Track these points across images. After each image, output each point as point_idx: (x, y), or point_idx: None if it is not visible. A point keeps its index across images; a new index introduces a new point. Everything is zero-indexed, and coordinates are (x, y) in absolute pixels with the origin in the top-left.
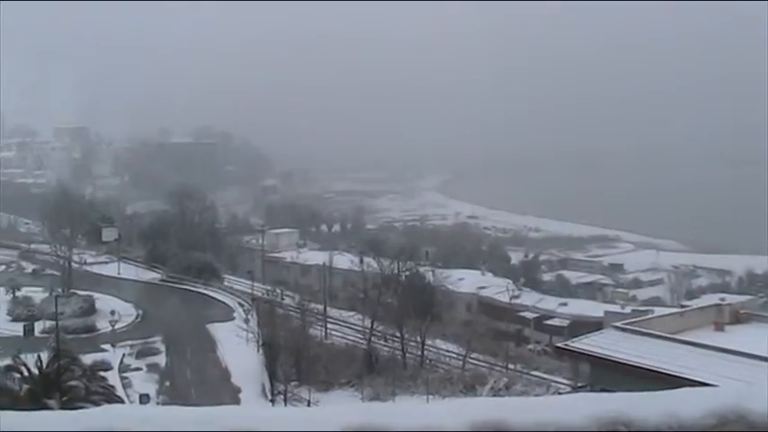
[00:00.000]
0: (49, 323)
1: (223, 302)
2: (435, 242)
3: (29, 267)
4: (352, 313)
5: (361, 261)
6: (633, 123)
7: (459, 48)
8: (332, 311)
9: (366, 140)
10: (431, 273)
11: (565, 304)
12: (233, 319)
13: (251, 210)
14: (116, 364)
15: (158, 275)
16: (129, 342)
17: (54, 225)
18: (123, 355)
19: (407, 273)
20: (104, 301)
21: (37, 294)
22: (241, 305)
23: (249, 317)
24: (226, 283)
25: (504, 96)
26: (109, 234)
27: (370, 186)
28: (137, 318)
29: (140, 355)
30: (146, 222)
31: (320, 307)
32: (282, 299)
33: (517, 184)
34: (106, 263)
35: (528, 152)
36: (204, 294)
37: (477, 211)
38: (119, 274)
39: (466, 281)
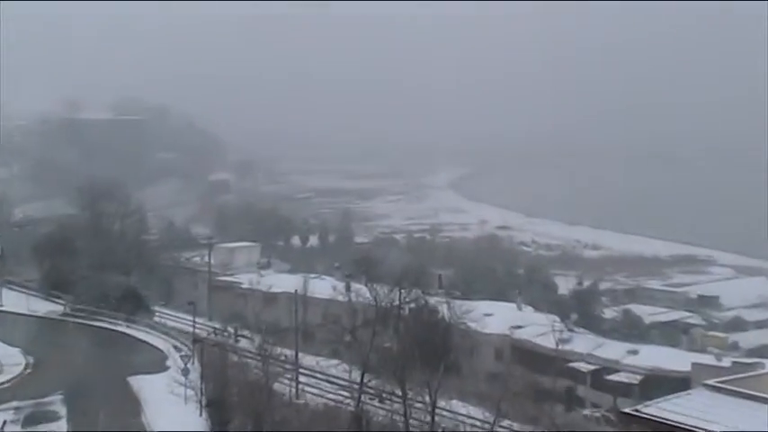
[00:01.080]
0: None
1: (153, 346)
2: (452, 262)
3: None
4: (334, 362)
5: (348, 288)
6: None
7: (486, 26)
8: (306, 359)
9: (357, 125)
10: (445, 305)
11: (635, 352)
12: (166, 369)
13: (194, 215)
14: None
15: (59, 308)
16: (14, 403)
17: None
18: (4, 422)
19: (412, 305)
20: None
21: None
22: (178, 350)
23: (189, 366)
24: (157, 319)
25: (543, 76)
26: None
27: (361, 183)
28: (26, 368)
29: (29, 421)
30: (42, 232)
31: (290, 352)
32: (237, 340)
33: (564, 182)
34: None
35: (576, 141)
36: (126, 335)
37: (510, 218)
38: (0, 305)
39: (495, 317)
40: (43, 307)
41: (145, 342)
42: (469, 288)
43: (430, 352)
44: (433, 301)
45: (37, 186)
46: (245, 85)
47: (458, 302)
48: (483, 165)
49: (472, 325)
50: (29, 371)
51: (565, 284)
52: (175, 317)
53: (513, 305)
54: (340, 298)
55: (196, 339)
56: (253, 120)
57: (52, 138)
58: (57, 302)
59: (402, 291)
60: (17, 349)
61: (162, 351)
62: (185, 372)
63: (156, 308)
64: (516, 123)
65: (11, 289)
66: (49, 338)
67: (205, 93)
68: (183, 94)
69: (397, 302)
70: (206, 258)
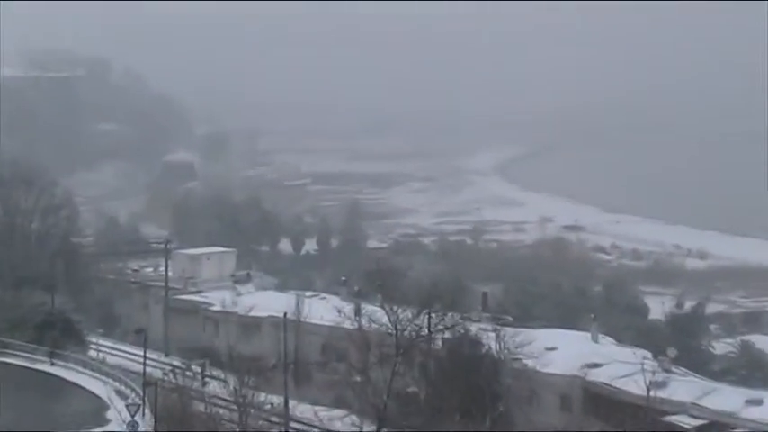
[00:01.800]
0: None
1: (87, 391)
2: (501, 275)
3: None
4: (338, 412)
5: (358, 311)
6: None
7: None
8: (300, 408)
9: (368, 88)
10: (492, 335)
11: (757, 402)
12: (106, 422)
13: (144, 210)
14: None
15: None
16: None
17: None
18: None
19: (446, 334)
20: None
21: None
22: (122, 396)
23: (138, 419)
24: (93, 353)
25: (609, 39)
26: None
27: (375, 166)
28: None
29: None
30: None
31: (277, 399)
32: (204, 383)
33: (649, 164)
34: None
35: (651, 114)
36: (50, 375)
37: (582, 214)
38: None
39: (561, 352)
40: None
41: (76, 385)
42: (525, 311)
43: (471, 399)
44: (474, 328)
45: None
46: (212, 36)
47: (509, 331)
48: (541, 142)
49: (530, 362)
50: None
51: (659, 307)
52: (119, 350)
53: (587, 335)
54: (347, 324)
55: (148, 382)
56: (224, 82)
57: None
58: None
59: (432, 315)
60: None
61: (100, 398)
62: (133, 426)
63: (92, 338)
64: (580, 92)
65: None
66: None
67: (158, 45)
68: (128, 47)
69: (425, 331)
70: (161, 269)
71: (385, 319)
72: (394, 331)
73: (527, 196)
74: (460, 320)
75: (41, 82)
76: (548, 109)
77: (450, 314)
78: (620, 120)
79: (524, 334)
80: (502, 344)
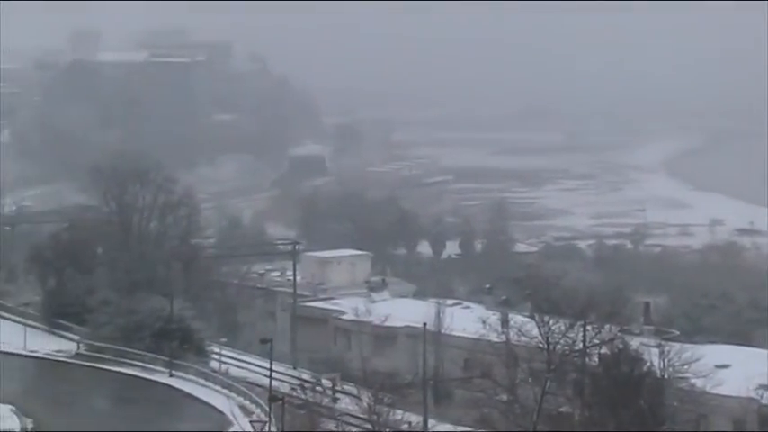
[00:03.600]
0: None
1: (208, 405)
2: (666, 285)
3: None
4: None
5: (505, 322)
6: None
7: None
8: (440, 428)
9: (515, 75)
10: (656, 350)
11: None
12: None
13: (270, 208)
14: None
15: (70, 346)
16: None
17: None
18: None
19: (604, 349)
20: None
21: None
22: (246, 412)
23: None
24: (215, 364)
25: None
26: None
27: (524, 161)
28: None
29: None
30: (44, 232)
31: (416, 418)
32: (335, 399)
33: None
34: None
35: None
36: (168, 387)
37: (758, 216)
38: None
39: (734, 370)
40: (46, 345)
41: (196, 399)
42: (693, 325)
43: (631, 422)
44: (635, 343)
45: (35, 163)
46: (340, 20)
47: (675, 346)
48: (716, 136)
49: (698, 382)
50: None
51: None
52: (242, 361)
53: (763, 352)
54: (492, 337)
55: (274, 397)
56: (355, 68)
57: (57, 89)
58: (66, 338)
59: (588, 327)
60: (8, 407)
61: (222, 413)
62: None
63: (214, 348)
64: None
65: (0, 317)
66: (54, 391)
67: (282, 29)
68: (250, 31)
69: (579, 345)
70: (288, 274)
71: (535, 332)
72: (545, 345)
73: (695, 196)
74: (619, 334)
75: (155, 67)
76: (724, 97)
77: (607, 327)
78: None
79: (692, 350)
80: (666, 361)
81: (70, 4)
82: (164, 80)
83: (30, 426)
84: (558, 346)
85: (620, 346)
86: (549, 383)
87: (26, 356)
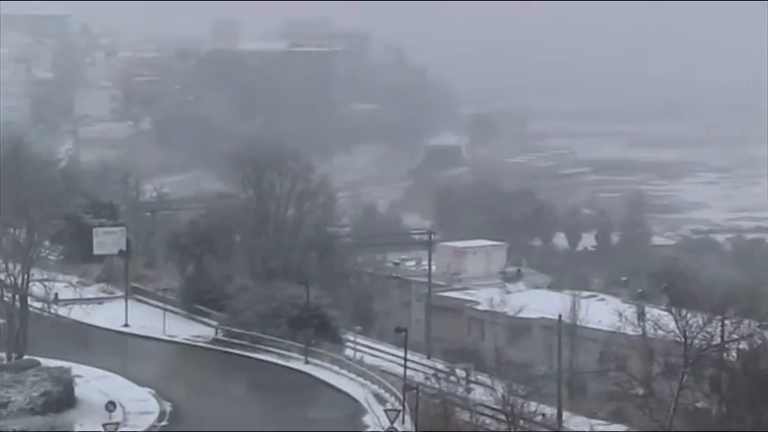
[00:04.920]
0: None
1: (343, 393)
2: None
3: None
4: (618, 428)
5: (642, 315)
6: None
7: None
8: (574, 421)
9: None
10: None
11: None
12: (363, 429)
13: (405, 198)
14: None
15: (208, 331)
16: None
17: None
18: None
19: (742, 345)
20: (94, 383)
21: None
22: (381, 401)
23: (397, 427)
24: (350, 352)
25: None
26: (107, 242)
27: (662, 153)
28: (160, 420)
29: None
30: (183, 219)
31: (549, 410)
32: (469, 389)
33: None
34: (100, 302)
35: None
36: (304, 374)
37: None
38: (125, 325)
39: None
40: (185, 330)
41: (331, 386)
42: None
43: None
44: None
45: (175, 150)
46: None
47: None
48: None
49: None
50: (164, 423)
51: None
52: (377, 350)
53: None
54: (629, 330)
55: (408, 386)
56: (492, 58)
57: (197, 79)
58: (204, 324)
59: (726, 322)
60: (148, 391)
61: (356, 401)
62: None
63: (349, 335)
64: None
65: (140, 301)
66: (192, 376)
67: (419, 20)
68: (390, 22)
69: (717, 340)
70: (423, 263)
71: (672, 326)
72: (682, 339)
73: None
74: (758, 330)
75: (294, 57)
76: None
77: (746, 322)
78: None
79: None
80: None
81: None
82: (303, 69)
83: (168, 409)
84: (696, 341)
85: (759, 341)
86: (685, 378)
87: (165, 341)
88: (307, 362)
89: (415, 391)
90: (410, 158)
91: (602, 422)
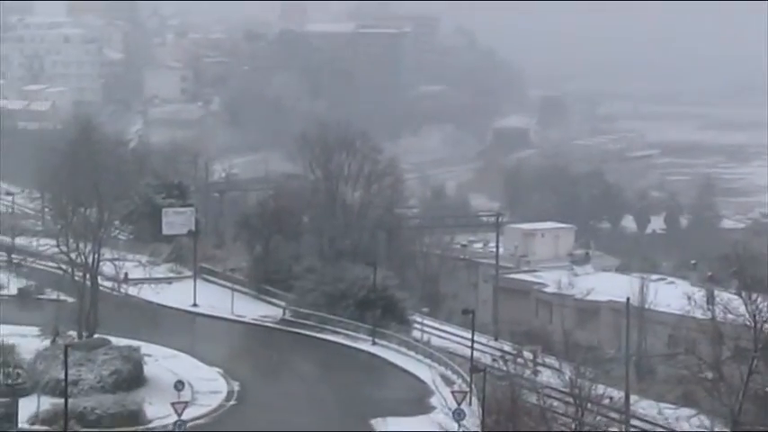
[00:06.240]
0: (49, 402)
1: (410, 374)
2: None
3: (10, 285)
4: (686, 411)
5: (711, 299)
6: None
7: None
8: (642, 404)
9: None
10: None
11: None
12: (429, 410)
13: (473, 179)
14: None
15: (276, 312)
16: None
17: (61, 199)
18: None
19: None
20: (163, 362)
21: (25, 341)
22: (448, 382)
23: (464, 408)
24: (417, 334)
25: None
26: (176, 223)
27: (733, 136)
28: (228, 399)
29: None
30: (252, 200)
31: (617, 394)
32: (536, 372)
33: None
34: (169, 282)
35: None
36: (371, 355)
37: None
38: (194, 305)
39: None
40: (253, 310)
41: (398, 368)
42: None
43: None
44: None
45: (244, 131)
46: None
47: None
48: None
49: None
50: (232, 403)
51: None
52: (444, 332)
53: None
54: (698, 313)
55: (475, 368)
56: (561, 40)
57: (266, 60)
58: (272, 304)
59: None
60: (216, 370)
61: (423, 382)
62: (458, 415)
63: (416, 317)
64: None
65: (208, 281)
66: (260, 356)
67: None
68: (458, 4)
69: None
70: (491, 245)
71: (742, 309)
72: (752, 323)
73: None
74: None
75: (362, 38)
76: None
77: None
78: None
79: None
80: None
81: None
82: (371, 51)
83: (237, 389)
84: (766, 325)
85: None
86: (755, 363)
87: (233, 321)
88: (374, 343)
89: (482, 372)
90: (478, 140)
91: (671, 406)
